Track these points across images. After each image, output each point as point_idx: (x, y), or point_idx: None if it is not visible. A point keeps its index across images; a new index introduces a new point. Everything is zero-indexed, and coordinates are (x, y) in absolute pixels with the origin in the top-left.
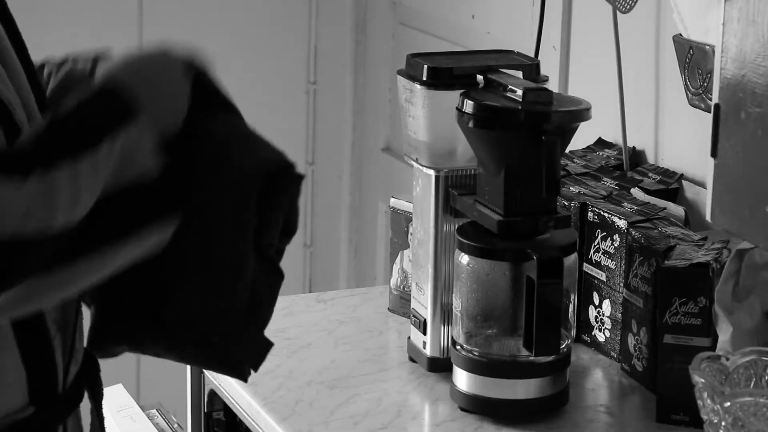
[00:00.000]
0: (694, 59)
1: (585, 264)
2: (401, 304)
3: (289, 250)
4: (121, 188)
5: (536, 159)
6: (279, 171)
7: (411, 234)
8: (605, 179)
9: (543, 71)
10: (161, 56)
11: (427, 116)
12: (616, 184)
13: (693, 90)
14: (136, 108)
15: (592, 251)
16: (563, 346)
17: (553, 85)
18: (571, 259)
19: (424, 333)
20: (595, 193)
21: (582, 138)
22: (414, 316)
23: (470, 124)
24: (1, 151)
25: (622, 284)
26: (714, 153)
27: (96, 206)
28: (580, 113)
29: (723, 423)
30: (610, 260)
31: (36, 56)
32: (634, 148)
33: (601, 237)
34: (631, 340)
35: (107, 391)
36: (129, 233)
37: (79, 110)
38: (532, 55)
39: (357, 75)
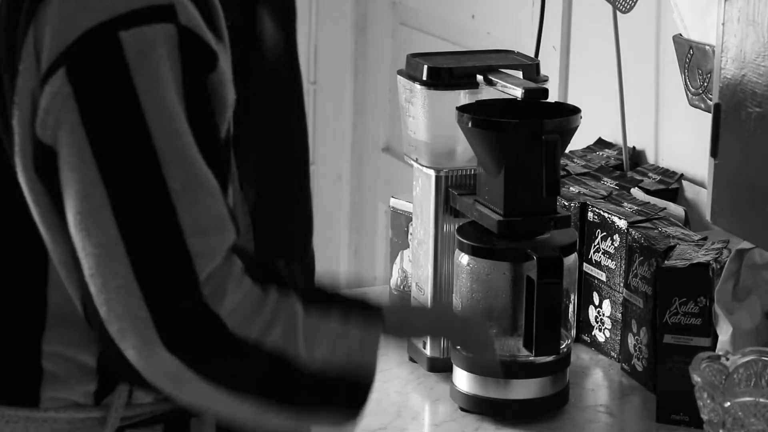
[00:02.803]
0: (694, 59)
1: (585, 264)
2: None
3: None
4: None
5: (536, 159)
6: None
7: (411, 234)
8: (605, 179)
9: (543, 71)
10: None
11: (427, 116)
12: (616, 184)
13: (693, 90)
14: (382, 318)
15: (592, 251)
16: (563, 346)
17: (553, 85)
18: (571, 259)
19: None
20: (595, 193)
21: (582, 138)
22: None
23: (470, 124)
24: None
25: (622, 284)
26: (714, 153)
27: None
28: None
29: (723, 423)
30: (610, 260)
31: None
32: (634, 148)
33: (601, 237)
34: (631, 340)
35: None
36: (322, 408)
37: (339, 297)
38: (532, 55)
39: (357, 75)
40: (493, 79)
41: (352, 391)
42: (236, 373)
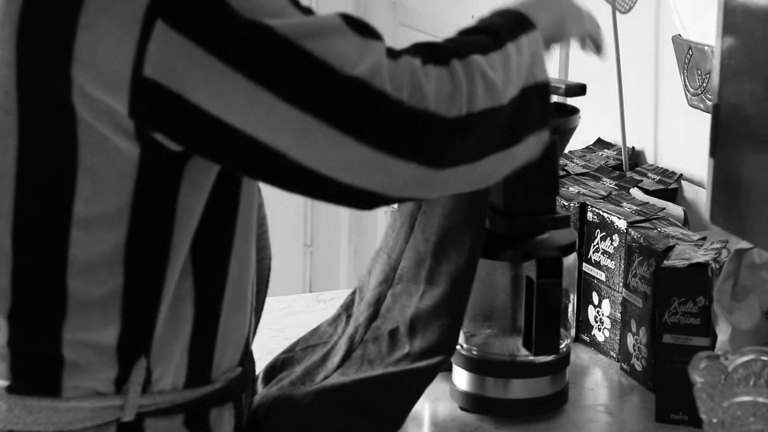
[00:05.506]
0: (693, 60)
1: (584, 264)
2: None
3: (289, 250)
4: (526, 87)
5: (536, 159)
6: None
7: None
8: (604, 179)
9: None
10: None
11: None
12: (615, 184)
13: (692, 90)
14: (534, 24)
15: (591, 251)
16: (563, 345)
17: None
18: (571, 259)
19: None
20: (594, 193)
21: (582, 138)
22: None
23: None
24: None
25: (621, 284)
26: (713, 153)
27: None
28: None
29: (722, 422)
30: (609, 260)
31: None
32: (633, 148)
33: (600, 237)
34: (630, 340)
35: None
36: (517, 140)
37: (488, 22)
38: None
39: None
40: None
41: (538, 92)
42: (469, 148)
